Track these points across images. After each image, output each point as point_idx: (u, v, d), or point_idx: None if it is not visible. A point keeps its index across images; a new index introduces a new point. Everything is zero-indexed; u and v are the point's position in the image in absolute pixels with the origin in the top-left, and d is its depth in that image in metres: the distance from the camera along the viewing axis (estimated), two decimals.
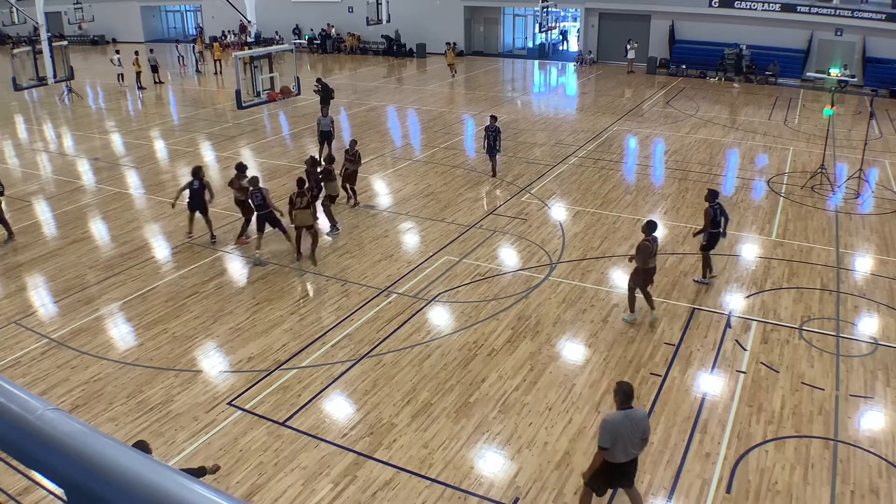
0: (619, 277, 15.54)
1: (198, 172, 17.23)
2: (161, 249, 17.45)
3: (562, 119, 31.98)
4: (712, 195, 14.65)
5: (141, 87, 39.36)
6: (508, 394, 11.55)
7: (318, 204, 17.74)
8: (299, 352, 12.81)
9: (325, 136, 23.70)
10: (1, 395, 2.20)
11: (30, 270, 16.37)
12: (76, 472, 2.04)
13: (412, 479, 9.70)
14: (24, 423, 2.13)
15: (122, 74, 40.88)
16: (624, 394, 8.21)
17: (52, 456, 2.08)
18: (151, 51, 42.65)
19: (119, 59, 40.93)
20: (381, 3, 35.09)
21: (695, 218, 18.89)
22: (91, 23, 51.67)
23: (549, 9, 42.77)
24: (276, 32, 52.39)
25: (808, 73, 36.50)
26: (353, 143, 20.32)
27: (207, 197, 17.31)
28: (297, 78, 25.36)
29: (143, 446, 7.76)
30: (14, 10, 38.50)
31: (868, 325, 13.64)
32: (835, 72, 32.51)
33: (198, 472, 8.25)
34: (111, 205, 20.57)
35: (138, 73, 39.54)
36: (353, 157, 19.86)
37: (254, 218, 16.75)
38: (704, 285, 15.11)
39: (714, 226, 14.58)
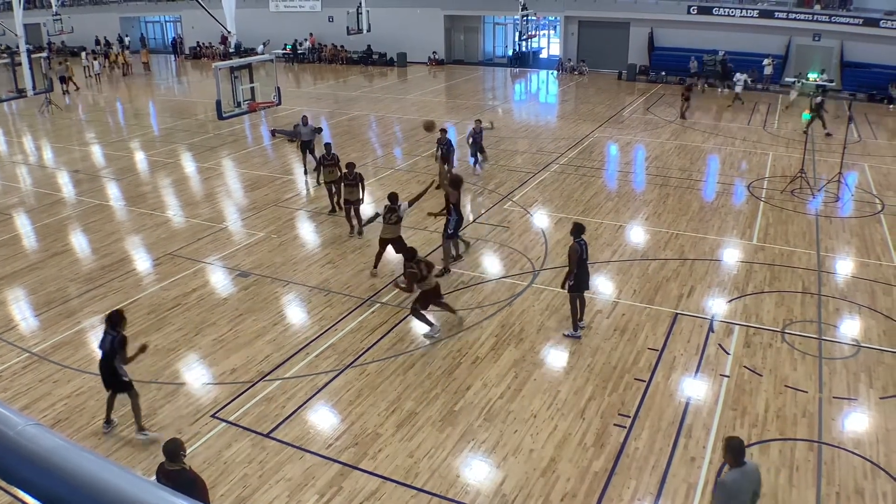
0: (602, 283, 15.58)
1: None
2: (142, 261, 17.34)
3: (543, 127, 32.10)
4: None
5: (49, 102, 37.22)
6: (493, 401, 11.54)
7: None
8: (283, 363, 12.75)
9: (306, 146, 23.60)
10: None
11: (10, 284, 16.23)
12: (58, 488, 2.01)
13: (398, 488, 9.66)
14: (4, 438, 2.11)
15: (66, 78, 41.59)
16: (735, 450, 7.45)
17: (33, 472, 2.06)
18: (60, 63, 42.88)
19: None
20: (361, 13, 35.11)
21: (676, 224, 18.99)
22: (70, 34, 51.46)
23: (529, 17, 42.95)
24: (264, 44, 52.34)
25: (786, 79, 36.83)
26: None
27: None
28: (278, 88, 25.30)
29: (175, 445, 7.82)
30: None
31: (850, 328, 13.73)
32: (813, 77, 32.81)
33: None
34: (92, 217, 20.44)
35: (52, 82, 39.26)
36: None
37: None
38: None
39: None
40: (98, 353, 10.82)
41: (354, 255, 17.35)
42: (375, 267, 16.24)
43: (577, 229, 13.15)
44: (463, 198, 21.26)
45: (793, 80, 34.96)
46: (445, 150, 21.71)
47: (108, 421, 10.97)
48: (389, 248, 16.01)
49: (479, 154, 23.67)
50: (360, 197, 18.33)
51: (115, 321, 10.56)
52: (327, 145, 19.76)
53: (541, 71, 48.79)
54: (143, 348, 10.75)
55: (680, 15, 41.85)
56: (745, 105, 35.22)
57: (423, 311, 13.51)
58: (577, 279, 13.17)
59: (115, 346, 10.44)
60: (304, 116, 23.70)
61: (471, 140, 23.46)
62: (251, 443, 10.65)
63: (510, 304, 14.84)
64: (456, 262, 16.53)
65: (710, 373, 12.25)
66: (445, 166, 21.82)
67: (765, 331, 13.56)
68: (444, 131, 22.04)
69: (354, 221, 18.46)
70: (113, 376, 10.60)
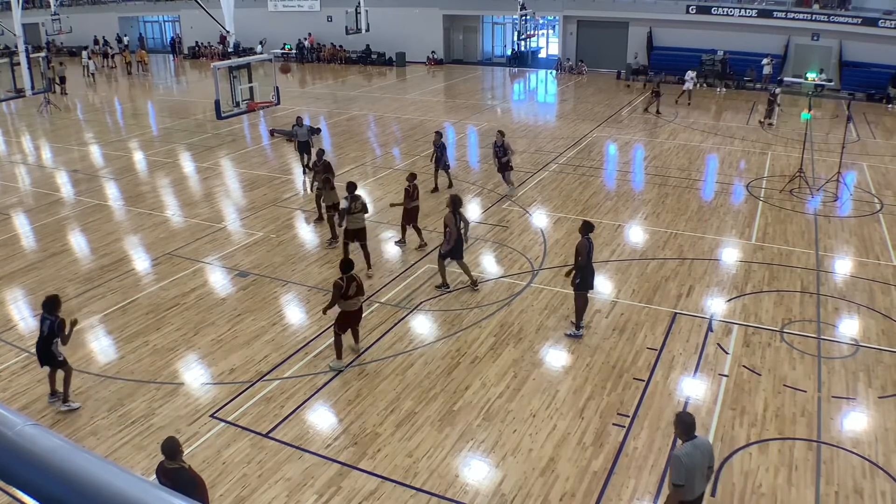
0: (601, 283, 15.56)
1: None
2: (141, 261, 17.33)
3: (542, 126, 32.09)
4: None
5: (48, 102, 37.18)
6: (492, 401, 11.54)
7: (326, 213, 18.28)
8: (281, 363, 12.74)
9: (303, 147, 23.59)
10: None
11: (9, 284, 16.21)
12: (57, 488, 2.01)
13: (397, 488, 9.66)
14: (2, 439, 2.11)
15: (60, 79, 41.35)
16: (685, 425, 7.62)
17: (32, 472, 2.05)
18: (61, 63, 42.87)
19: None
20: (359, 13, 35.13)
21: (675, 223, 18.99)
22: (69, 33, 51.42)
23: (528, 17, 42.93)
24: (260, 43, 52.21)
25: (785, 78, 36.84)
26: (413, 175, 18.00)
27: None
28: (277, 87, 25.33)
29: (172, 444, 7.84)
30: None
31: (849, 327, 13.74)
32: (811, 76, 32.82)
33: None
34: (90, 217, 20.43)
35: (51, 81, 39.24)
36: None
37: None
38: None
39: None
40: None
41: (353, 255, 17.30)
42: (369, 267, 16.26)
43: (586, 227, 13.17)
44: (461, 197, 21.28)
45: (777, 81, 34.57)
46: (440, 153, 21.53)
47: (52, 393, 11.64)
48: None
49: (504, 173, 21.54)
50: (336, 202, 18.08)
51: (52, 306, 11.19)
52: (320, 152, 19.63)
53: (539, 71, 48.76)
54: (73, 322, 11.35)
55: (679, 14, 41.83)
56: (745, 104, 35.24)
57: (340, 335, 12.52)
58: (584, 277, 13.17)
59: (53, 330, 11.04)
60: (300, 117, 23.71)
61: (494, 157, 21.60)
62: (250, 443, 10.65)
63: (509, 303, 14.83)
64: (443, 290, 15.51)
65: (708, 372, 12.26)
66: (441, 169, 21.80)
67: (764, 330, 13.56)
68: (438, 134, 21.84)
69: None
70: (49, 357, 11.21)
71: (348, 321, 12.51)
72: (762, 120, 31.11)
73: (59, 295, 11.57)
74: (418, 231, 17.58)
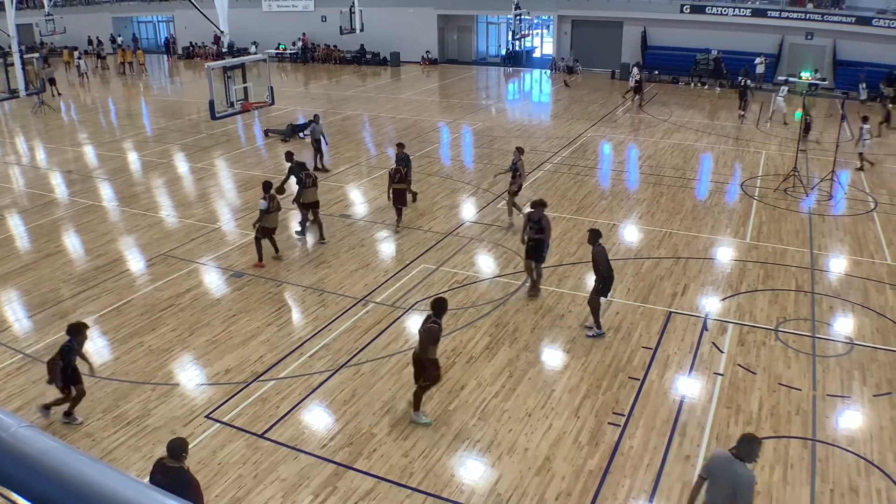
0: None
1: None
2: (136, 262, 17.29)
3: (536, 126, 32.10)
4: None
5: (42, 102, 37.06)
6: (488, 401, 11.54)
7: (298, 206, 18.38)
8: (277, 363, 12.73)
9: (317, 145, 24.29)
10: None
11: (3, 285, 16.17)
12: (51, 490, 2.01)
13: (393, 488, 9.66)
14: None
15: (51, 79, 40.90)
16: (739, 441, 7.69)
17: (26, 474, 2.05)
18: (49, 64, 42.72)
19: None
20: (354, 13, 35.11)
21: (669, 222, 19.01)
22: (63, 34, 51.27)
23: (522, 16, 42.93)
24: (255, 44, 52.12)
25: (779, 77, 36.89)
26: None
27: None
28: (271, 87, 25.28)
29: (179, 444, 7.87)
30: None
31: (843, 326, 13.77)
32: (806, 75, 32.89)
33: None
34: (85, 217, 20.38)
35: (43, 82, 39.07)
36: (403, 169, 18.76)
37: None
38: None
39: None
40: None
41: (348, 254, 17.34)
42: (277, 251, 17.06)
43: (594, 235, 13.19)
44: (456, 197, 21.30)
45: (781, 97, 34.19)
46: (405, 167, 19.34)
47: (65, 412, 11.37)
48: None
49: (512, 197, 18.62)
50: (315, 200, 18.05)
51: (70, 330, 11.14)
52: (302, 164, 19.07)
53: (534, 70, 48.77)
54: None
55: (673, 14, 41.87)
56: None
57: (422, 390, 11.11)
58: (605, 284, 13.20)
59: (61, 351, 11.05)
60: (317, 115, 24.83)
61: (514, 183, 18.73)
62: (246, 443, 10.64)
63: (504, 303, 14.84)
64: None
65: (704, 371, 12.27)
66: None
67: (758, 329, 13.59)
68: (400, 146, 20.11)
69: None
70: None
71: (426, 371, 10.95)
72: (741, 113, 32.05)
73: (82, 322, 11.45)
74: (398, 211, 18.56)
